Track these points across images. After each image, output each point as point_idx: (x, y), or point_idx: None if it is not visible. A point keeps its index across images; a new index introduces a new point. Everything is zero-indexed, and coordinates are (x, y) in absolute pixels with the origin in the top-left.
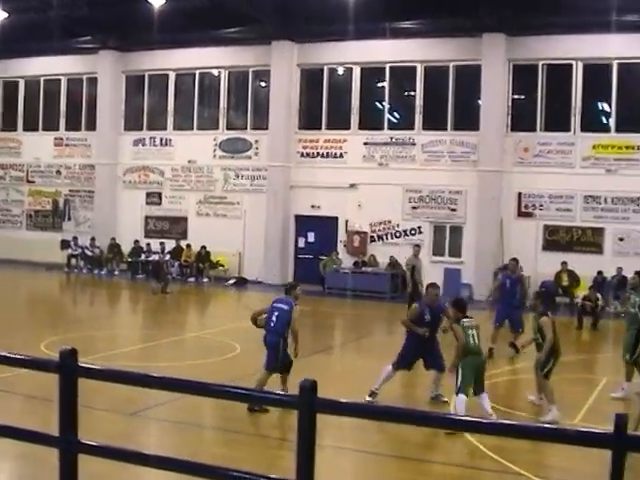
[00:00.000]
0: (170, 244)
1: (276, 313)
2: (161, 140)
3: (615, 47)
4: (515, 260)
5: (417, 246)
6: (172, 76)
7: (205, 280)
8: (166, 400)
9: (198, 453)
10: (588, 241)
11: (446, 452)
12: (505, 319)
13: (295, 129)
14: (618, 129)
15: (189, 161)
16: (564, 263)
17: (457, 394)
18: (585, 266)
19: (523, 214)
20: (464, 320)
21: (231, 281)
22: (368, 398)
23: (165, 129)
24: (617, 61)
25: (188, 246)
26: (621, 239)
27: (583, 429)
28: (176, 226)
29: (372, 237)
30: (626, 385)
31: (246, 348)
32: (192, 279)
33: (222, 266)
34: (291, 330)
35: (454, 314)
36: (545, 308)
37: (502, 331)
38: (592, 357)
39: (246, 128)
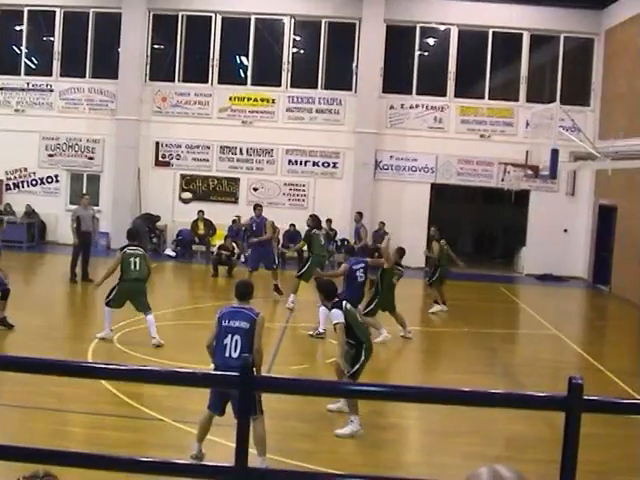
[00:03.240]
0: None
1: None
2: None
3: (252, 3)
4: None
5: (85, 195)
6: None
7: None
8: None
9: None
10: (224, 191)
11: (83, 401)
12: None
13: None
14: (254, 82)
15: None
16: (200, 212)
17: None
18: (221, 215)
19: (161, 163)
20: (127, 249)
21: None
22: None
23: None
24: (255, 16)
25: None
26: (255, 189)
27: (215, 372)
28: None
29: (8, 185)
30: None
31: None
32: None
33: None
34: None
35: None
36: None
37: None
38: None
39: None
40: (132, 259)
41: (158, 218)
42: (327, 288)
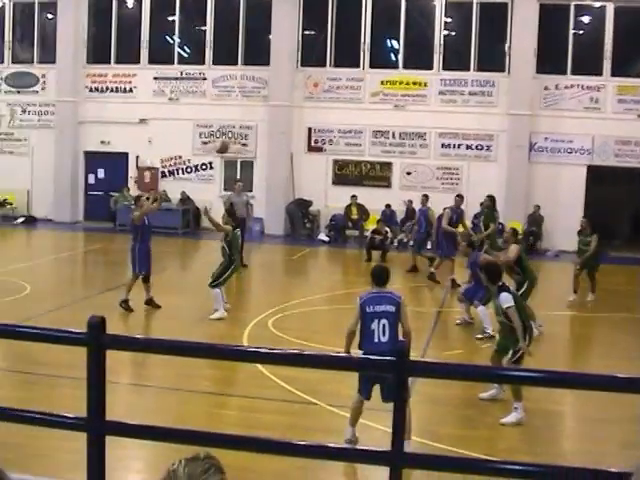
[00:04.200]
0: None
1: None
2: None
3: None
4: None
5: (238, 181)
6: None
7: None
8: None
9: None
10: (377, 175)
11: (238, 384)
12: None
13: (83, 63)
14: (406, 66)
15: None
16: (354, 197)
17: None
18: (374, 199)
19: (313, 149)
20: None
21: (20, 220)
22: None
23: None
24: None
25: None
26: (408, 173)
27: (371, 357)
28: None
29: (163, 173)
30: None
31: (36, 288)
32: None
33: (10, 204)
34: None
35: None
36: None
37: None
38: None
39: (33, 62)
40: (239, 239)
41: (310, 203)
42: (492, 270)
